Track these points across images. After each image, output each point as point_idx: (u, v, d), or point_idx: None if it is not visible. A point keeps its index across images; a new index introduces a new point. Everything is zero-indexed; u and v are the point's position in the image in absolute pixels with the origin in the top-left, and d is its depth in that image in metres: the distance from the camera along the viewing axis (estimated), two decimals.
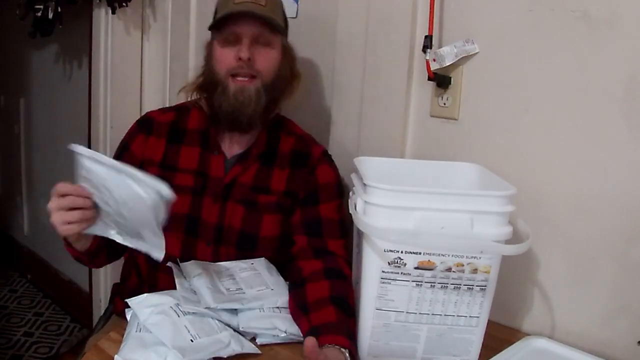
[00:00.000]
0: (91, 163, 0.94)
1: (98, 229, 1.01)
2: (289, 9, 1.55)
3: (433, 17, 1.20)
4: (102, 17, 1.93)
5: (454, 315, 0.94)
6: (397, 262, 0.91)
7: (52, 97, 2.75)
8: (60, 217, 1.00)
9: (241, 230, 1.22)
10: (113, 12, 1.89)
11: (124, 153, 1.26)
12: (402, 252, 0.91)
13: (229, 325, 1.03)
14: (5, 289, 2.88)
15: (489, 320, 0.97)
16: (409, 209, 0.90)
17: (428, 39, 1.21)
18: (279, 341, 1.03)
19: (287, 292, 1.12)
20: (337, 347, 0.94)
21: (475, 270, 0.91)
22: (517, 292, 1.17)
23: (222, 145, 1.26)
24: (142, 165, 1.22)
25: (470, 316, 0.94)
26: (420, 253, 0.91)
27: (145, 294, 1.05)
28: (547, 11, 1.08)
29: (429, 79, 1.22)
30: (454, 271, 0.91)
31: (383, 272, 0.92)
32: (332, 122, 1.47)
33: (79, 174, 0.96)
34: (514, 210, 0.92)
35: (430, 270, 0.92)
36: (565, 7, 1.06)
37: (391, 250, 0.91)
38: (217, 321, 1.02)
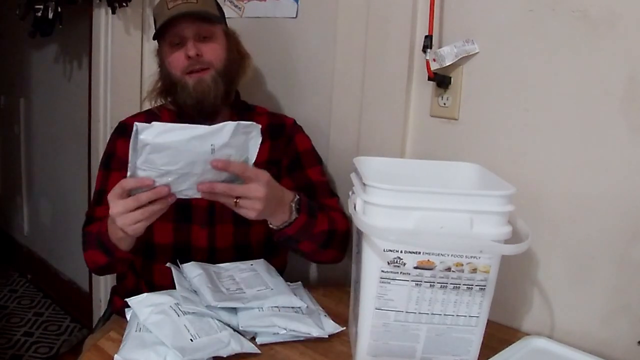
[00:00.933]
0: (161, 138, 0.90)
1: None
2: (289, 9, 1.56)
3: (433, 17, 1.20)
4: (102, 17, 1.93)
5: (453, 315, 0.94)
6: (396, 262, 0.91)
7: (52, 97, 2.75)
8: (129, 218, 0.97)
9: None
10: (113, 12, 1.89)
11: (112, 161, 1.30)
12: (401, 251, 0.91)
13: (228, 325, 1.03)
14: (5, 289, 2.88)
15: (488, 320, 0.96)
16: (409, 208, 0.90)
17: (428, 39, 1.21)
18: (279, 339, 1.03)
19: (288, 292, 1.12)
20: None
21: (474, 270, 0.91)
22: (517, 292, 1.17)
23: None
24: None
25: (469, 316, 0.94)
26: (419, 253, 0.91)
27: (145, 294, 1.05)
28: (548, 11, 1.08)
29: (429, 79, 1.22)
30: (453, 271, 0.91)
31: (382, 271, 0.92)
32: (332, 122, 1.47)
33: (138, 156, 0.92)
34: (514, 210, 0.92)
35: (429, 270, 0.91)
36: (565, 7, 1.06)
37: (390, 250, 0.91)
38: (216, 321, 1.02)
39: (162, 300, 1.04)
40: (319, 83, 1.51)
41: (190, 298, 1.06)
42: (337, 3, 1.42)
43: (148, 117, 1.34)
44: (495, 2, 1.15)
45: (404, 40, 1.29)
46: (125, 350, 0.95)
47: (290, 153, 1.33)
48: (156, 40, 1.31)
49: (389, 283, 0.93)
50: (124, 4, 1.88)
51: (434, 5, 1.20)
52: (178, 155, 0.92)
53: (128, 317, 1.06)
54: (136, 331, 0.99)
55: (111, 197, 0.97)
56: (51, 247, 2.89)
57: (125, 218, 0.96)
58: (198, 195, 0.98)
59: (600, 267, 1.06)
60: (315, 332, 1.04)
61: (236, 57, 1.32)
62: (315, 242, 1.17)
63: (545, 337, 1.05)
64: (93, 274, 2.21)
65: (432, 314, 0.94)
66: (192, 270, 1.13)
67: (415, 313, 0.94)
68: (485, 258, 0.91)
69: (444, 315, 0.94)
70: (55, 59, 2.65)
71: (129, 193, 0.95)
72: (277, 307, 1.08)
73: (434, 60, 1.21)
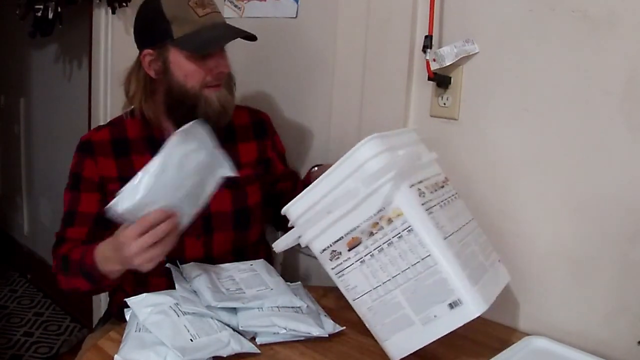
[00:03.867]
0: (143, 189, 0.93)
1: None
2: (289, 9, 1.56)
3: (433, 17, 1.20)
4: (102, 17, 1.94)
5: (409, 267, 0.92)
6: (335, 255, 0.96)
7: (52, 97, 2.75)
8: (146, 257, 0.97)
9: (233, 210, 1.27)
10: (113, 12, 1.89)
11: (81, 184, 1.24)
12: (331, 244, 0.95)
13: (228, 325, 1.03)
14: (5, 289, 2.89)
15: (488, 320, 0.97)
16: (306, 212, 0.96)
17: (428, 39, 1.21)
18: (279, 339, 1.04)
19: (287, 292, 1.12)
20: None
21: (390, 220, 0.91)
22: (516, 292, 1.17)
23: None
24: (101, 184, 1.23)
25: (422, 259, 0.91)
26: (342, 237, 0.94)
27: (145, 294, 1.05)
28: (548, 11, 1.08)
29: (429, 79, 1.22)
30: (375, 232, 0.93)
31: (332, 269, 0.97)
32: (332, 121, 1.47)
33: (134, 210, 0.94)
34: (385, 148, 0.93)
35: (360, 245, 0.94)
36: (565, 7, 1.06)
37: (325, 249, 0.96)
38: (216, 321, 1.02)
39: (162, 300, 1.04)
40: (319, 83, 1.51)
41: (190, 298, 1.06)
42: (337, 3, 1.42)
43: (113, 129, 1.27)
44: (495, 2, 1.15)
45: (404, 40, 1.29)
46: (125, 350, 0.95)
47: (277, 151, 1.39)
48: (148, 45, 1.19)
49: (344, 274, 0.96)
50: (124, 4, 1.88)
51: (434, 5, 1.20)
52: (166, 193, 0.95)
53: (127, 317, 1.05)
54: (136, 331, 0.99)
55: (124, 238, 0.96)
56: (51, 247, 2.89)
57: (142, 257, 0.96)
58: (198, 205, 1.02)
59: (600, 267, 1.06)
60: (316, 332, 1.04)
61: None
62: None
63: (546, 338, 1.05)
64: None
65: (393, 277, 0.94)
66: (192, 271, 1.12)
67: (381, 285, 0.95)
68: (388, 205, 0.91)
69: (403, 272, 0.93)
70: (55, 59, 2.66)
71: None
72: (277, 307, 1.08)
73: (434, 60, 1.21)
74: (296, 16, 1.55)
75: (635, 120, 1.00)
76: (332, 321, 1.09)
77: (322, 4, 1.48)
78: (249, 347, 0.99)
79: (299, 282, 1.23)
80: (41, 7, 1.95)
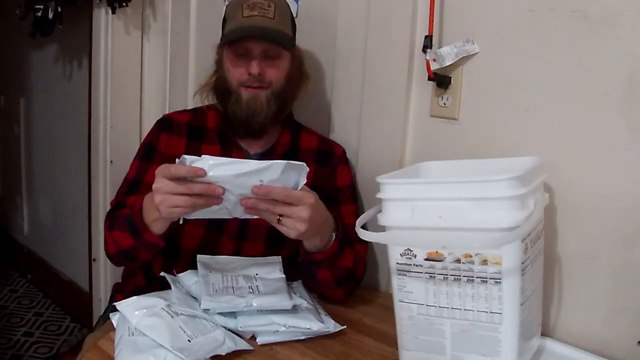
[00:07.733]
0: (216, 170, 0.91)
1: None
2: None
3: (433, 17, 1.20)
4: (102, 17, 1.94)
5: (474, 310, 0.88)
6: (407, 254, 0.90)
7: (52, 97, 2.75)
8: (169, 201, 0.94)
9: (269, 226, 1.24)
10: (113, 12, 1.89)
11: (154, 154, 1.28)
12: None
13: (225, 327, 1.03)
14: (5, 289, 2.88)
15: None
16: (409, 199, 0.90)
17: (428, 39, 1.21)
18: (278, 338, 1.04)
19: (285, 292, 1.12)
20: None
21: (485, 262, 0.86)
22: None
23: (241, 144, 1.30)
24: (170, 161, 1.22)
25: (490, 312, 0.87)
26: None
27: (134, 297, 1.04)
28: (547, 11, 1.08)
29: (429, 79, 1.22)
30: (463, 262, 0.87)
31: (397, 263, 0.92)
32: (332, 121, 1.47)
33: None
34: (522, 193, 0.85)
35: (439, 262, 0.88)
36: (565, 7, 1.06)
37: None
38: (209, 321, 1.03)
39: (153, 302, 1.03)
40: (319, 83, 1.51)
41: (184, 299, 1.06)
42: (337, 3, 1.42)
43: (195, 115, 1.33)
44: (495, 2, 1.15)
45: (404, 40, 1.29)
46: (122, 356, 0.94)
47: (331, 185, 1.31)
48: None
49: (405, 275, 0.92)
50: (124, 4, 1.89)
51: (434, 5, 1.20)
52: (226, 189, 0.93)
53: (114, 321, 1.04)
54: (129, 336, 0.98)
55: (159, 173, 0.94)
56: (51, 247, 2.89)
57: (166, 198, 0.94)
58: (244, 216, 0.99)
59: (600, 267, 1.06)
60: (316, 326, 1.04)
61: (296, 77, 1.29)
62: (333, 274, 1.15)
63: (546, 338, 1.05)
64: (93, 274, 2.21)
65: (452, 308, 0.90)
66: (189, 279, 1.12)
67: (435, 307, 0.91)
68: (493, 249, 0.85)
69: (465, 310, 0.89)
70: (55, 59, 2.65)
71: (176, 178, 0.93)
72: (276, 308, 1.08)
73: (434, 60, 1.21)
74: (296, 16, 1.55)
75: (635, 120, 1.00)
76: (332, 320, 1.09)
77: (322, 4, 1.48)
78: (242, 344, 1.00)
79: (300, 281, 1.23)
80: (41, 7, 1.95)
